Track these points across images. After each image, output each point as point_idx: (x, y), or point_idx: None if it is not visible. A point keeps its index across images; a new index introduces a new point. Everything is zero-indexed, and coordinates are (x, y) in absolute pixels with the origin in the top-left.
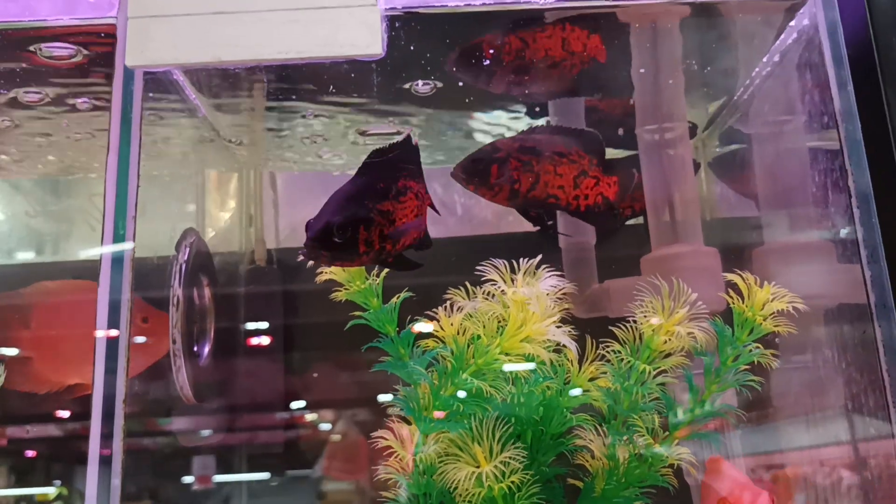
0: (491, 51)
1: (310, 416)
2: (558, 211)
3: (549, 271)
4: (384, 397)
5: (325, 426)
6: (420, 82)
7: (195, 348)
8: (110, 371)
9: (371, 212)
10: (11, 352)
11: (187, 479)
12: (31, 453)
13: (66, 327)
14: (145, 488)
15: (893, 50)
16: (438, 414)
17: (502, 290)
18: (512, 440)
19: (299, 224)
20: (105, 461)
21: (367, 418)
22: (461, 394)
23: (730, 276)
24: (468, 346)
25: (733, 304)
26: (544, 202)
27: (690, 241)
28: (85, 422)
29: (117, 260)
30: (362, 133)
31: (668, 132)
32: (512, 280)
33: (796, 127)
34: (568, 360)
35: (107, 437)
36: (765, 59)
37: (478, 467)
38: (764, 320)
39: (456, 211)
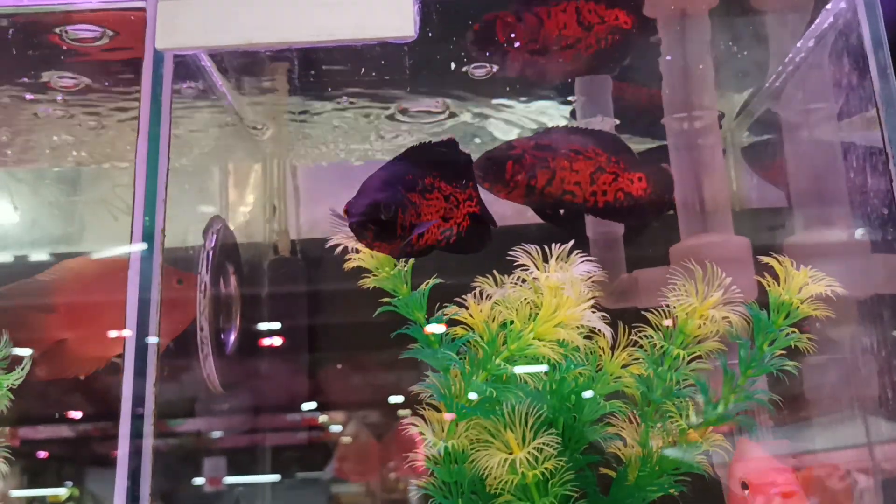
0: (506, 31)
1: (334, 412)
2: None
3: (581, 257)
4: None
5: (352, 415)
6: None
7: (222, 336)
8: (139, 372)
9: (404, 198)
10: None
11: (212, 473)
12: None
13: (96, 300)
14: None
15: None
16: (448, 416)
17: (534, 276)
18: (545, 427)
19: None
20: (134, 462)
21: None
22: (473, 396)
23: (766, 260)
24: (500, 332)
25: (769, 287)
26: (560, 199)
27: (720, 231)
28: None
29: (147, 243)
30: (403, 111)
31: (697, 121)
32: (544, 265)
33: (832, 113)
34: (600, 346)
35: (136, 437)
36: (798, 45)
37: (510, 454)
38: (801, 304)
39: None
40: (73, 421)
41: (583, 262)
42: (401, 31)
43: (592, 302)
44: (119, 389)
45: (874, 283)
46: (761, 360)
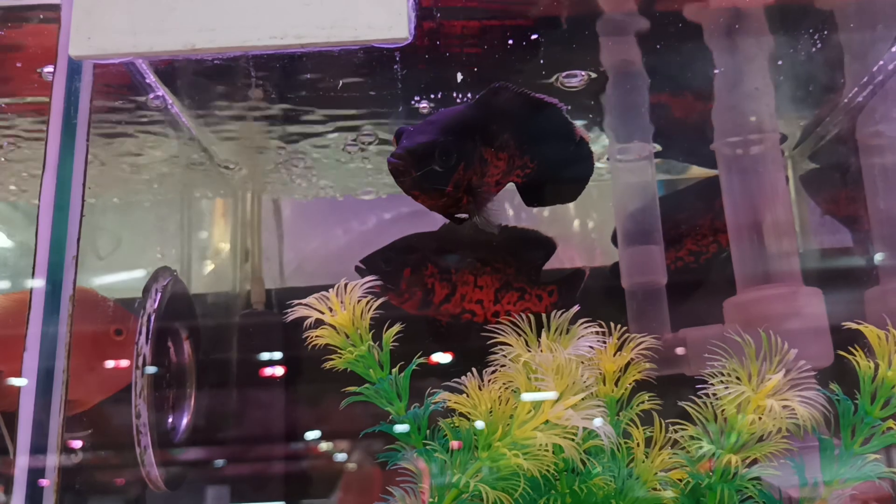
0: None
1: None
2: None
3: (587, 326)
4: None
5: None
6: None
7: (169, 421)
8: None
9: (475, 150)
10: None
11: None
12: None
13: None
14: None
15: None
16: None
17: (517, 358)
18: None
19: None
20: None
21: None
22: None
23: (851, 325)
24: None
25: (858, 363)
26: (459, 317)
27: (787, 281)
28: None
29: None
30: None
31: (755, 146)
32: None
33: None
34: (635, 442)
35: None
36: (882, 60)
37: None
38: None
39: None
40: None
41: (582, 337)
42: (392, 32)
43: (588, 392)
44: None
45: None
46: (851, 464)
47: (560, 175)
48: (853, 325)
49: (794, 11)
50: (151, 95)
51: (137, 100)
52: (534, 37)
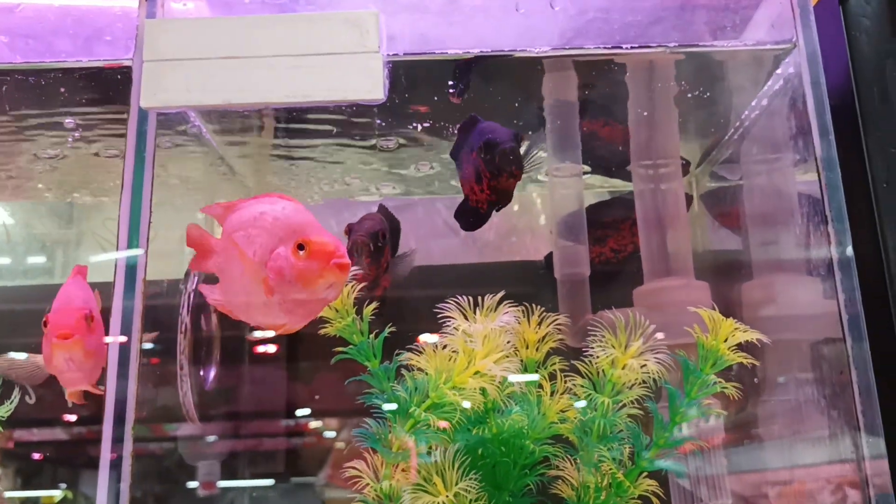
0: None
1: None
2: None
3: (507, 308)
4: None
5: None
6: None
7: (201, 373)
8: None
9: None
10: None
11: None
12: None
13: None
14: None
15: (874, 100)
16: (443, 424)
17: (458, 328)
18: (474, 471)
19: None
20: (114, 465)
21: None
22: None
23: (693, 310)
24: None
25: (697, 336)
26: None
27: (681, 275)
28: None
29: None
30: None
31: (661, 168)
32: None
33: (782, 169)
34: (545, 391)
35: (117, 441)
36: (753, 103)
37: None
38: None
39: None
40: (67, 424)
41: (505, 314)
42: (371, 94)
43: (504, 353)
44: None
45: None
46: (690, 405)
47: None
48: (693, 310)
49: (695, 64)
50: (190, 125)
51: (178, 128)
52: None
